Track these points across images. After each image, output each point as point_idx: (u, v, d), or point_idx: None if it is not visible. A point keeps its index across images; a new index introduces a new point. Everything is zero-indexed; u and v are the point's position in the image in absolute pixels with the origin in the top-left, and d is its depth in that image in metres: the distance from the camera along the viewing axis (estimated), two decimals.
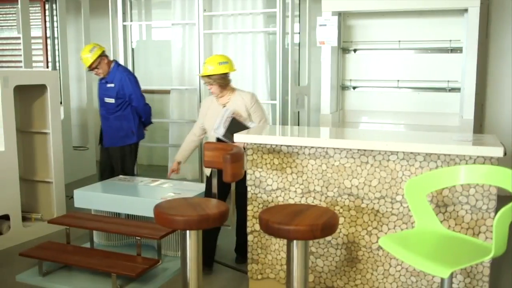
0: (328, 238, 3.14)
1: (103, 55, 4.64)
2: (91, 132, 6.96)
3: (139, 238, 3.64)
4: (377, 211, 3.01)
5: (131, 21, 6.22)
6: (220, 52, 5.65)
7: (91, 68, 4.63)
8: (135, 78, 4.82)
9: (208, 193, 3.79)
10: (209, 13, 5.59)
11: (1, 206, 4.28)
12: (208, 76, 3.73)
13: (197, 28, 5.54)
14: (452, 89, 4.92)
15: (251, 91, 4.10)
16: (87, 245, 4.10)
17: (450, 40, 4.88)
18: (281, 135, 3.37)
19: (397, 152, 2.93)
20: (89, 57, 4.57)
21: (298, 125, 5.63)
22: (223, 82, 3.74)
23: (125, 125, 4.71)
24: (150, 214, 3.51)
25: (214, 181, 3.13)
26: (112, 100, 4.66)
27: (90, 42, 6.11)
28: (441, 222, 2.72)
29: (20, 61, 6.50)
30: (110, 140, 4.77)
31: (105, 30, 6.34)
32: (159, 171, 6.37)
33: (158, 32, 7.29)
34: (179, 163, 4.04)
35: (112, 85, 4.66)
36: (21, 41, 5.82)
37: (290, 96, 5.23)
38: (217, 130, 3.72)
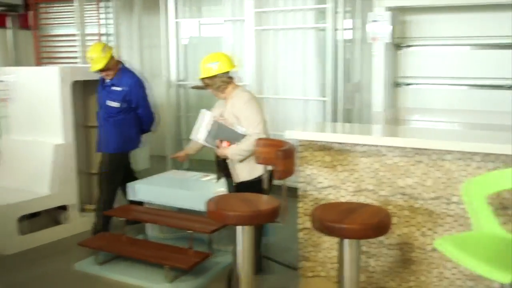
0: (381, 238, 3.10)
1: (113, 55, 4.28)
2: None
3: (191, 231, 3.71)
4: (432, 211, 2.95)
5: (183, 17, 6.32)
6: (271, 49, 5.65)
7: (103, 70, 4.21)
8: (144, 84, 4.43)
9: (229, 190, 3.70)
10: (260, 9, 5.60)
11: (60, 197, 4.48)
12: (201, 79, 3.53)
13: (248, 24, 5.57)
14: (511, 87, 4.73)
15: (250, 92, 3.69)
16: (141, 237, 4.22)
17: (510, 36, 4.69)
18: (332, 132, 3.35)
19: (453, 151, 2.85)
20: (103, 58, 4.16)
21: (349, 122, 5.56)
22: (216, 84, 3.48)
23: (125, 131, 4.36)
24: (202, 208, 3.58)
25: (265, 177, 3.16)
26: (116, 104, 4.28)
27: (142, 39, 6.26)
28: (501, 225, 2.63)
29: (77, 57, 6.75)
30: (104, 145, 4.41)
31: (155, 27, 6.47)
32: (208, 165, 6.43)
33: (208, 28, 7.37)
34: (187, 154, 3.83)
35: (119, 88, 4.27)
36: (76, 38, 6.00)
37: (341, 93, 5.18)
38: (197, 135, 3.48)
